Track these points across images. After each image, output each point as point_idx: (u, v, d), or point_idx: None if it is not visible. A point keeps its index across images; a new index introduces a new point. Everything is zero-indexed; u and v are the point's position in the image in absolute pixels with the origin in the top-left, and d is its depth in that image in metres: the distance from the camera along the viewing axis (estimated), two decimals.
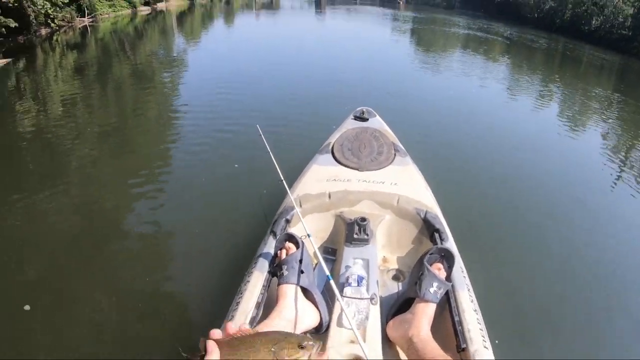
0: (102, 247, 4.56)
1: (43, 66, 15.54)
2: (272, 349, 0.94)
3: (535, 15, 42.05)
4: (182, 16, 35.22)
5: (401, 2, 73.71)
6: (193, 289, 3.93)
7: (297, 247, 2.45)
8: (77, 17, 33.29)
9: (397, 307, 2.36)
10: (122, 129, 8.45)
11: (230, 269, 3.83)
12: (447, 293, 2.35)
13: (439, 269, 2.32)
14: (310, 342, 1.00)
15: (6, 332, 3.41)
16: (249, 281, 2.45)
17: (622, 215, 6.08)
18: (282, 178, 3.10)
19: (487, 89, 13.15)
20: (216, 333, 1.05)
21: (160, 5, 37.34)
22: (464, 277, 2.59)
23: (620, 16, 31.12)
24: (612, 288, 4.41)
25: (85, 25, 25.48)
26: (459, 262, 2.68)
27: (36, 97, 11.15)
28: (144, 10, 33.98)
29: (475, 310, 2.33)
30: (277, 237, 2.63)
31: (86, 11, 32.78)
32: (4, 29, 19.80)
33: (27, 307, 3.57)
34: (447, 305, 2.35)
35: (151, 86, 12.25)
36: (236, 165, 6.33)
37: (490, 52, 21.88)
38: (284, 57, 16.34)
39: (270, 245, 2.70)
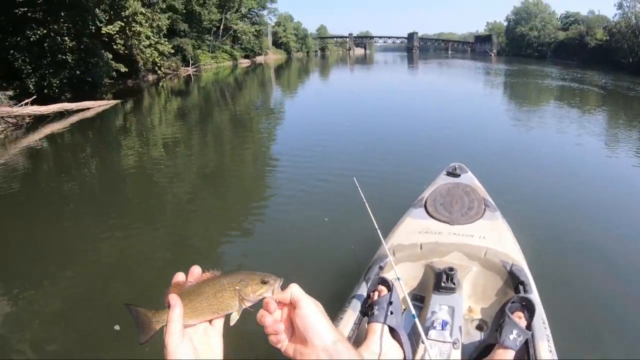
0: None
1: (148, 108, 16.14)
2: (237, 287, 0.97)
3: (630, 60, 39.24)
4: (279, 69, 36.60)
5: (492, 55, 72.79)
6: None
7: (388, 290, 2.55)
8: (182, 66, 36.04)
9: (478, 353, 2.37)
10: (219, 173, 8.43)
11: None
12: (526, 342, 2.32)
13: (519, 317, 2.31)
14: (272, 278, 0.99)
15: (96, 351, 3.55)
16: (341, 318, 2.63)
17: None
18: (377, 227, 3.14)
19: (582, 145, 11.81)
20: (179, 276, 0.98)
21: (259, 59, 39.25)
22: (545, 327, 2.54)
23: None
24: None
25: (189, 74, 26.85)
26: (540, 313, 2.63)
27: (141, 137, 11.32)
28: (244, 63, 35.78)
29: None
30: (371, 281, 2.77)
31: (190, 61, 35.20)
32: (114, 73, 21.38)
33: (117, 327, 3.60)
34: (526, 354, 2.34)
35: (249, 133, 12.09)
36: (326, 219, 6.04)
37: (585, 103, 20.21)
38: (377, 109, 15.86)
39: (363, 289, 2.82)
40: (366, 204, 3.37)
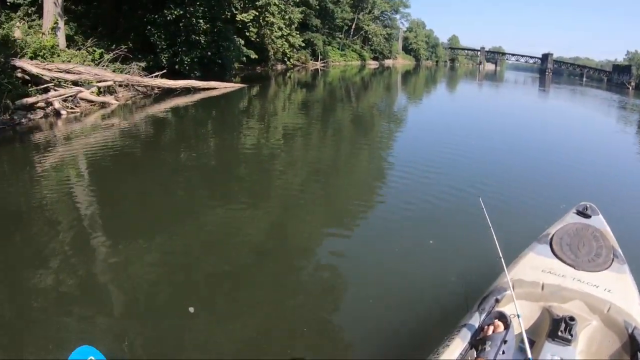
0: (278, 271, 4.53)
1: (273, 96, 15.96)
2: None
3: None
4: (407, 75, 35.75)
5: (630, 88, 65.80)
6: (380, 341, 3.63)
7: (505, 327, 2.44)
8: (311, 60, 36.83)
9: None
10: (331, 170, 8.07)
11: (423, 332, 3.65)
12: None
13: None
14: None
15: (173, 333, 3.50)
16: (447, 345, 2.50)
17: None
18: (501, 256, 3.07)
19: None
20: None
21: (387, 62, 38.62)
22: None
23: None
24: None
25: (317, 68, 26.81)
26: None
27: (262, 121, 11.07)
28: (372, 64, 35.36)
29: None
30: (486, 312, 2.68)
31: (319, 56, 35.48)
32: (244, 58, 21.69)
33: (191, 310, 3.63)
34: None
35: (368, 135, 11.35)
36: (431, 242, 5.43)
37: None
38: (503, 131, 14.78)
39: (475, 319, 2.68)
40: (491, 228, 3.36)
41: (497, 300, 2.99)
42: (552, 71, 77.07)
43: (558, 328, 2.72)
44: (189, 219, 5.37)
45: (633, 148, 16.68)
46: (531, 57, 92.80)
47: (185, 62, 16.59)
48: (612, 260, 3.67)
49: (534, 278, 3.23)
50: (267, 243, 5.11)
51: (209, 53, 17.50)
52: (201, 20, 16.69)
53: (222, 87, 15.82)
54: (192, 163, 7.92)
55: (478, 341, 2.48)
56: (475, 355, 2.38)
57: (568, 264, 3.51)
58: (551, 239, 3.89)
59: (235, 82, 17.74)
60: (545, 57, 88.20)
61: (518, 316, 2.61)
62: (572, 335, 2.70)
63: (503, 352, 2.32)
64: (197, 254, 4.60)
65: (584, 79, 75.41)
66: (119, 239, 4.70)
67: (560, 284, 3.19)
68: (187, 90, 14.49)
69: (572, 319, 2.72)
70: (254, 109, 12.90)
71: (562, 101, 34.32)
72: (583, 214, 4.48)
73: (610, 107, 32.63)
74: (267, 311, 3.87)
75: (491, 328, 2.50)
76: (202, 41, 16.92)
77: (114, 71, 12.90)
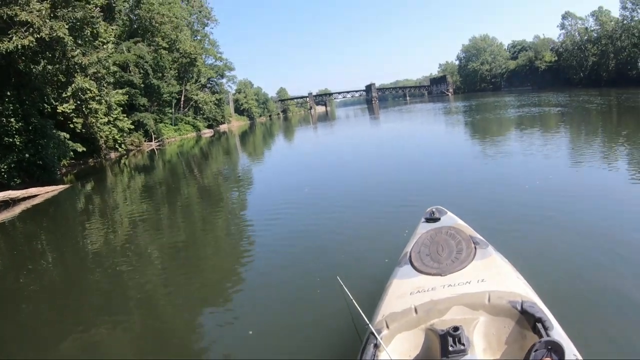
0: None
1: (111, 187, 15.04)
2: None
3: (581, 74, 41.39)
4: (244, 135, 36.38)
5: (449, 94, 75.11)
6: None
7: None
8: (145, 141, 35.73)
9: None
10: (189, 250, 7.74)
11: None
12: None
13: None
14: None
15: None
16: None
17: None
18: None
19: (548, 163, 11.86)
20: None
21: (222, 127, 39.01)
22: None
23: None
24: None
25: (153, 148, 26.09)
26: (571, 351, 2.41)
27: (104, 218, 10.36)
28: (208, 133, 35.42)
29: None
30: None
31: (153, 135, 34.61)
32: (72, 153, 20.26)
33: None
34: None
35: (219, 203, 11.33)
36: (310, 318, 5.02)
37: (546, 125, 20.74)
38: (344, 166, 15.37)
39: None
40: (353, 300, 3.40)
41: (376, 346, 2.82)
42: (377, 98, 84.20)
43: (447, 343, 2.63)
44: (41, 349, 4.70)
45: (465, 144, 18.97)
46: (356, 91, 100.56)
47: (2, 170, 14.82)
48: (475, 249, 3.67)
49: (404, 306, 3.09)
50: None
51: (27, 155, 15.73)
52: (12, 119, 15.20)
53: (43, 192, 14.26)
54: (31, 287, 6.84)
55: None
56: None
57: (434, 274, 3.42)
58: (410, 256, 3.80)
59: (67, 181, 16.42)
60: (369, 88, 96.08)
61: None
62: (464, 344, 2.61)
63: None
64: None
65: (408, 98, 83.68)
66: None
67: (432, 298, 3.08)
68: (6, 204, 12.80)
69: (455, 329, 2.66)
70: (92, 207, 12.00)
71: (393, 122, 37.54)
72: (432, 219, 4.50)
73: (436, 115, 36.54)
74: None
75: None
76: (17, 142, 15.30)
77: None
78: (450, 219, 4.49)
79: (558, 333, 2.64)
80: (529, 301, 2.89)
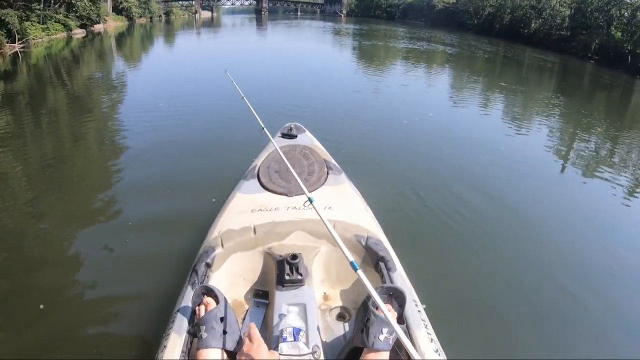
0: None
1: None
2: None
3: (475, 21, 43.81)
4: (120, 37, 34.22)
5: (342, 15, 74.91)
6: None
7: (217, 302, 2.06)
8: (7, 43, 33.06)
9: (345, 357, 2.00)
10: (61, 162, 7.62)
11: (148, 329, 3.32)
12: None
13: (388, 310, 1.89)
14: None
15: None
16: (165, 347, 1.99)
17: (573, 206, 6.28)
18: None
19: (428, 100, 13.09)
20: None
21: (97, 27, 36.08)
22: (419, 311, 2.24)
23: (558, 18, 32.94)
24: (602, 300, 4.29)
25: (16, 51, 23.96)
26: (411, 296, 2.35)
27: None
28: (80, 33, 32.79)
29: (436, 351, 2.03)
30: (194, 289, 2.17)
31: (16, 36, 31.40)
32: None
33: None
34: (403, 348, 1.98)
35: (90, 113, 11.48)
36: (169, 190, 5.89)
37: (431, 62, 22.23)
38: (218, 74, 15.75)
39: (188, 298, 2.22)
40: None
41: (208, 265, 2.56)
42: (267, 10, 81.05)
43: (284, 271, 2.42)
44: None
45: (347, 68, 19.37)
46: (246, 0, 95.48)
47: None
48: (327, 173, 3.49)
49: (243, 223, 2.85)
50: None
51: None
52: None
53: None
54: None
55: (194, 328, 2.00)
56: (197, 348, 1.93)
57: (280, 193, 3.18)
58: (258, 171, 3.57)
59: None
60: None
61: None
62: (301, 274, 2.43)
63: (226, 332, 1.94)
64: None
65: (299, 13, 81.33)
66: None
67: (274, 219, 2.86)
68: None
69: (294, 257, 2.47)
70: None
71: (279, 35, 37.17)
72: (288, 134, 4.29)
73: (324, 34, 36.68)
74: None
75: (202, 308, 2.08)
76: None
77: None
78: (307, 138, 4.31)
79: (400, 275, 2.53)
80: (375, 237, 2.76)
